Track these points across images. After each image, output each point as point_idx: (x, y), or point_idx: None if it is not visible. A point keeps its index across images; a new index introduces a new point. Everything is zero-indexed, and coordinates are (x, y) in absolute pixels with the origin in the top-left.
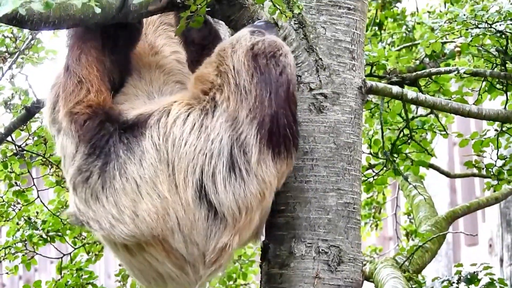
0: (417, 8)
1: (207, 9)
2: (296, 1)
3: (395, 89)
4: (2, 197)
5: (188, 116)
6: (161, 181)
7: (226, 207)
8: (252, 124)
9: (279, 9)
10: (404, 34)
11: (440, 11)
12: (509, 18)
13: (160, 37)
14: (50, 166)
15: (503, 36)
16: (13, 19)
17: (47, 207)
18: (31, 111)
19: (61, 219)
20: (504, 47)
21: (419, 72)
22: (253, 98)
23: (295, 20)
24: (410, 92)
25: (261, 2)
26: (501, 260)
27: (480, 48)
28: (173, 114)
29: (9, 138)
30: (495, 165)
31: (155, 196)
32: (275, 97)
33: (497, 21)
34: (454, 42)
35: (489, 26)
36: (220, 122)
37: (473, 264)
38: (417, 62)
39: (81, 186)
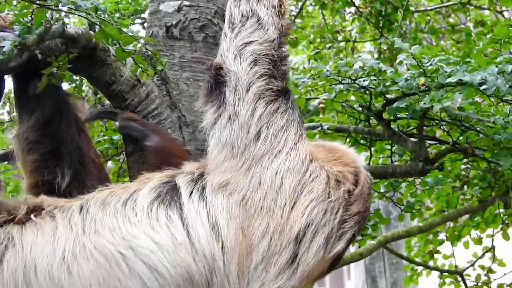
0: None
1: (68, 66)
2: (159, 58)
3: None
4: None
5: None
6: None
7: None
8: None
9: (141, 67)
10: None
11: (304, 68)
12: (373, 74)
13: None
14: None
15: (367, 92)
16: None
17: None
18: None
19: None
20: (368, 103)
21: None
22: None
23: (157, 77)
24: None
25: (123, 59)
26: None
27: (344, 104)
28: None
29: None
30: None
31: None
32: None
33: (361, 77)
34: (318, 98)
35: (352, 81)
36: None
37: None
38: None
39: None
